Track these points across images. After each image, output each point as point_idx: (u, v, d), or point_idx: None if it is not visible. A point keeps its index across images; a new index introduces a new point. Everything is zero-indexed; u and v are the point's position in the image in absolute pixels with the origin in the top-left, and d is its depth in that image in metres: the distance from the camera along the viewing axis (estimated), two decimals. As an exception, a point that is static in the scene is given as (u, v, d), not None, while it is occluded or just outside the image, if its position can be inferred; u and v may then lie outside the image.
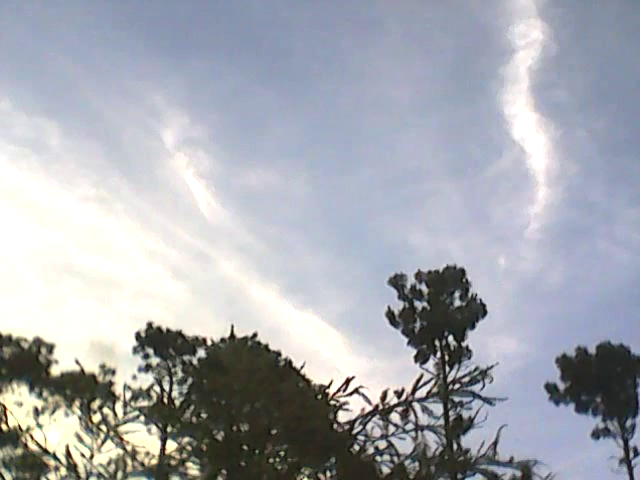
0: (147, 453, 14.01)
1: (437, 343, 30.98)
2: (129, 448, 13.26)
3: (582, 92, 65.16)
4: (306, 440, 11.98)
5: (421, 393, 12.55)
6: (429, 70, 63.86)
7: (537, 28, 63.65)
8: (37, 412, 24.57)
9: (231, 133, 66.85)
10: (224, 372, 13.74)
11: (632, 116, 62.95)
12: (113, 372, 26.45)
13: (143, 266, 58.27)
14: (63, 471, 12.80)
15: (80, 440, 12.75)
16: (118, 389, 25.38)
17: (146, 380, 27.39)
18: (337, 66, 63.32)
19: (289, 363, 16.97)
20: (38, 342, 26.79)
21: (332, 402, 12.64)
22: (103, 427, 13.05)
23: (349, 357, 51.24)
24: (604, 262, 61.42)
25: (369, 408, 12.40)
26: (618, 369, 34.65)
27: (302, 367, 13.39)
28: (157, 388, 25.67)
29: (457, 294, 31.83)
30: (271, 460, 12.43)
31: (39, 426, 24.25)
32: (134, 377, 27.15)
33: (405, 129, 65.52)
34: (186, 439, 13.70)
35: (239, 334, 14.83)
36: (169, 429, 21.60)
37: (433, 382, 12.72)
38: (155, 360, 27.71)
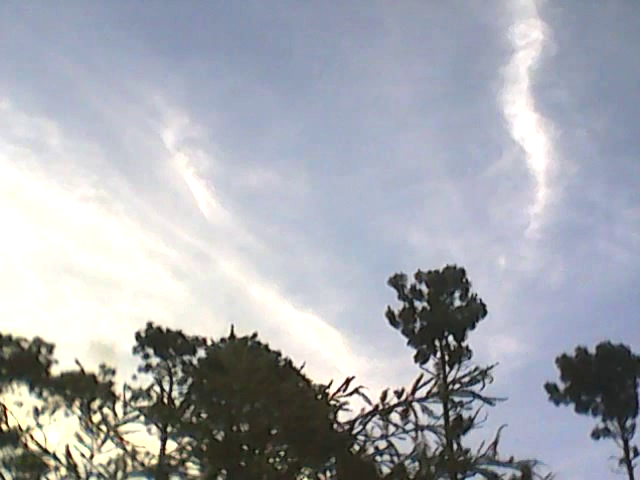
0: (147, 453, 14.01)
1: (437, 343, 30.96)
2: (129, 448, 13.27)
3: (582, 92, 65.25)
4: (306, 440, 11.98)
5: (421, 393, 12.56)
6: (429, 70, 63.93)
7: (537, 28, 63.73)
8: (37, 412, 24.57)
9: (231, 133, 66.94)
10: (224, 372, 13.74)
11: (632, 116, 63.05)
12: (113, 372, 26.47)
13: (143, 266, 58.32)
14: (63, 471, 12.80)
15: (80, 440, 12.75)
16: (118, 389, 25.38)
17: (146, 380, 27.41)
18: (337, 66, 63.39)
19: (289, 363, 16.98)
20: (38, 342, 26.81)
21: (332, 402, 12.64)
22: (103, 427, 13.05)
23: (349, 357, 51.27)
24: (604, 262, 61.50)
25: (369, 408, 12.41)
26: (618, 369, 34.66)
27: (302, 367, 13.39)
28: (157, 388, 25.70)
29: (457, 294, 31.82)
30: (271, 460, 12.44)
31: (39, 426, 24.26)
32: (134, 377, 27.19)
33: (405, 129, 65.60)
34: (186, 439, 13.70)
35: (239, 334, 14.82)
36: (169, 429, 21.56)
37: (433, 382, 12.73)
38: (155, 360, 27.71)
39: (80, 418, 13.15)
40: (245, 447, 12.44)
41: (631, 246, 60.79)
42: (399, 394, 12.45)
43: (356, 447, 12.36)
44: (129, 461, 13.21)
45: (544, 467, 11.90)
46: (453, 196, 66.20)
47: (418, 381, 12.52)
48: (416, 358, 31.00)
